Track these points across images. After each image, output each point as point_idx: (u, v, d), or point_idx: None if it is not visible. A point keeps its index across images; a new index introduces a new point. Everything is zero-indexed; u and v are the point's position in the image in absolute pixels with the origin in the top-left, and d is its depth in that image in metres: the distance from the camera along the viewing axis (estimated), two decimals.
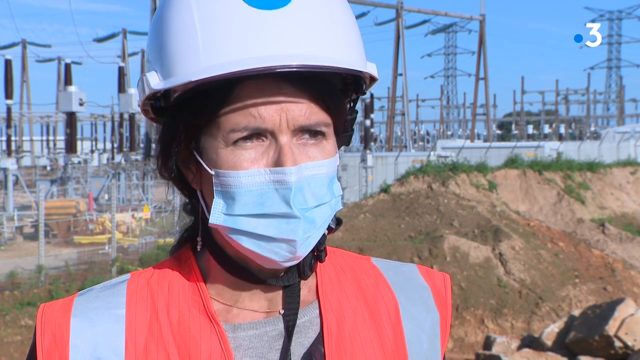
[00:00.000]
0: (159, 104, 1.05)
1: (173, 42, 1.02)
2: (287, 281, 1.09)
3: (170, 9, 1.04)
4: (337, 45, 1.02)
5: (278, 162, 1.00)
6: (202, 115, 1.02)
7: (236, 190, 1.01)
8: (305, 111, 1.02)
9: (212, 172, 1.03)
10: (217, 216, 1.03)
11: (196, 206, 1.11)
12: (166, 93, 1.04)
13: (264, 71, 0.97)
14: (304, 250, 1.03)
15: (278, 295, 1.10)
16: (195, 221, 1.13)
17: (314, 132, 1.03)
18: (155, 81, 1.03)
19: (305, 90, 1.02)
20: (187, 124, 1.04)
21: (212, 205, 1.03)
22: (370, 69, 1.08)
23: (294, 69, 0.97)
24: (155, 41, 1.05)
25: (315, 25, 1.01)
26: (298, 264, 1.08)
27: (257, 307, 1.10)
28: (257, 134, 1.01)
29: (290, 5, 1.00)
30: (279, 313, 1.10)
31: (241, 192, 1.01)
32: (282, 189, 1.00)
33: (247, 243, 1.02)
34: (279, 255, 1.02)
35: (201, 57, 0.99)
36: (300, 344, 1.09)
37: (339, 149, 1.12)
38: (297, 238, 1.01)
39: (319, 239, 1.06)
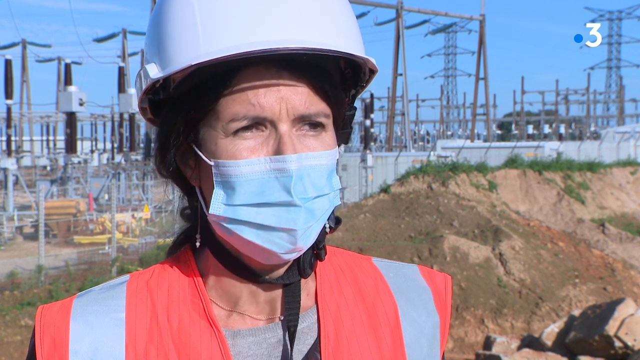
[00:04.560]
0: (158, 97, 1.04)
1: (173, 32, 1.02)
2: (287, 279, 1.07)
3: (169, 2, 1.04)
4: (338, 33, 1.02)
5: (278, 151, 0.99)
6: (201, 105, 1.02)
7: (236, 179, 1.00)
8: (305, 100, 1.01)
9: (212, 163, 1.02)
10: (217, 207, 1.02)
11: (194, 204, 1.10)
12: (165, 84, 1.03)
13: (264, 53, 0.96)
14: (304, 242, 1.02)
15: (278, 299, 1.09)
16: (194, 220, 1.12)
17: (314, 124, 1.03)
18: (155, 71, 1.03)
19: (304, 78, 1.01)
20: (186, 115, 1.03)
21: (212, 196, 1.02)
22: (371, 62, 1.07)
23: (294, 51, 0.97)
24: (154, 34, 1.05)
25: (316, 12, 1.01)
26: (298, 262, 1.07)
27: (257, 312, 1.09)
28: (256, 124, 1.01)
29: None
30: (279, 319, 1.09)
31: (241, 182, 1.00)
32: (282, 177, 0.99)
33: (247, 234, 1.01)
34: (279, 246, 1.01)
35: (200, 43, 0.99)
36: (299, 350, 1.08)
37: (338, 146, 1.11)
38: (297, 227, 1.00)
39: (319, 232, 1.05)
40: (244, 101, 1.00)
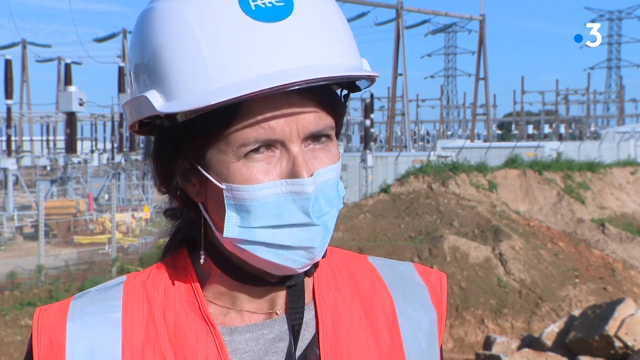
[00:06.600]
0: (158, 122, 1.02)
1: (175, 61, 0.98)
2: (293, 281, 1.09)
3: (161, 21, 1.00)
4: (342, 52, 1.02)
5: (293, 173, 0.99)
6: (211, 132, 1.00)
7: (251, 203, 0.99)
8: (313, 119, 1.01)
9: (223, 187, 1.00)
10: (232, 229, 1.01)
11: (197, 219, 1.08)
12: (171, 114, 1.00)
13: (281, 89, 0.94)
14: (319, 255, 1.04)
15: (278, 296, 1.10)
16: (190, 230, 1.11)
17: (318, 136, 1.03)
18: (159, 102, 0.99)
19: (312, 98, 1.01)
20: (194, 142, 1.01)
21: (225, 219, 1.01)
22: (367, 66, 1.08)
23: (309, 85, 0.96)
24: (148, 56, 1.01)
25: (318, 33, 1.00)
26: None
27: (255, 309, 1.09)
28: (266, 145, 1.00)
29: (292, 16, 0.99)
30: (276, 314, 1.09)
31: (256, 205, 0.99)
32: (300, 199, 0.99)
33: (264, 253, 1.01)
34: (297, 263, 1.02)
35: (211, 78, 0.96)
36: (297, 346, 1.09)
37: None
38: (316, 245, 1.02)
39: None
40: (254, 125, 0.98)
